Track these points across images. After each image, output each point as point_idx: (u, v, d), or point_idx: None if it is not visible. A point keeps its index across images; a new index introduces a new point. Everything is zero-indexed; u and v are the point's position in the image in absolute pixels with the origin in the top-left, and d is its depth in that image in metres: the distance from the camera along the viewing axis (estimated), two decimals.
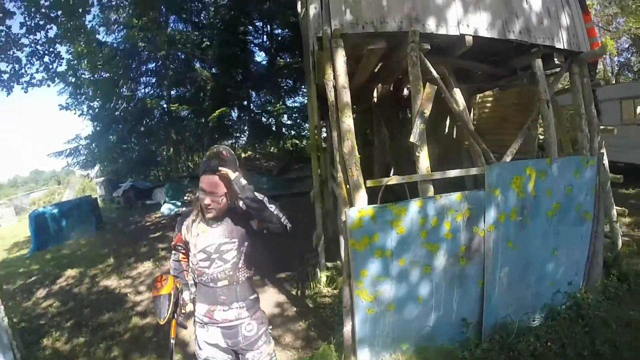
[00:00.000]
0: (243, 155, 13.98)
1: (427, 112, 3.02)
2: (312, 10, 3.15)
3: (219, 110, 12.24)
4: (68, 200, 15.84)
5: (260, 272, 5.01)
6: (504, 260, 2.99)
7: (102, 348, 3.92)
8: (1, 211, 23.91)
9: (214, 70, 13.72)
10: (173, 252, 2.08)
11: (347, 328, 2.84)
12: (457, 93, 3.82)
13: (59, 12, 6.87)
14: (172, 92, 14.54)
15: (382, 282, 2.75)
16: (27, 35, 7.07)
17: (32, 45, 7.25)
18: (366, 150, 6.81)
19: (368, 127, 7.72)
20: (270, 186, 10.66)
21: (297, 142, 16.15)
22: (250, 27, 14.70)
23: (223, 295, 1.84)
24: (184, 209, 11.05)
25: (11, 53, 6.95)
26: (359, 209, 2.70)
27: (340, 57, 2.95)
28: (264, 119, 15.44)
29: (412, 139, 2.97)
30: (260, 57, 18.32)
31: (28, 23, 7.00)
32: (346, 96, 2.92)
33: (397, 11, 3.10)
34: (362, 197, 2.78)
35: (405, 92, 6.65)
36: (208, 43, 13.07)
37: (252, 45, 15.05)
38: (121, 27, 13.42)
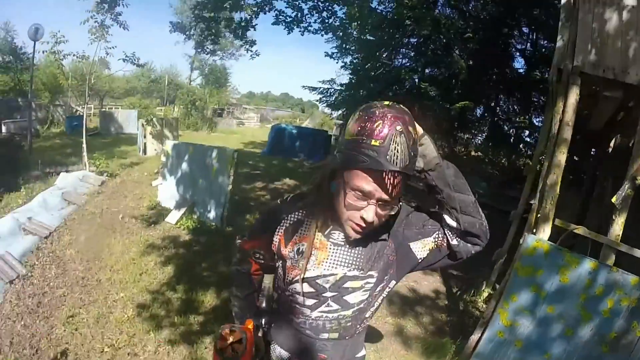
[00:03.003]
0: (472, 153, 14.26)
1: None
2: (560, 41, 3.21)
3: (463, 102, 12.27)
4: (307, 127, 19.92)
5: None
6: None
7: None
8: (250, 114, 32.61)
9: (470, 62, 13.64)
10: (241, 261, 1.31)
11: (474, 336, 2.98)
12: None
13: None
14: (427, 71, 15.04)
15: (523, 316, 2.77)
16: None
17: (314, 0, 8.93)
18: (574, 196, 6.56)
19: (593, 174, 7.05)
20: (486, 194, 10.59)
21: (530, 162, 15.38)
22: (516, 31, 14.04)
23: (324, 353, 1.15)
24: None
25: (297, 2, 8.77)
26: (537, 239, 2.77)
27: (573, 95, 3.03)
28: (505, 127, 14.90)
29: (614, 200, 2.77)
30: (519, 63, 17.21)
31: None
32: (567, 133, 2.98)
33: None
34: (545, 230, 2.93)
35: None
36: (470, 35, 13.06)
37: (513, 49, 14.36)
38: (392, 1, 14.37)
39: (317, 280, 1.09)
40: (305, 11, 8.99)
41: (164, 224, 5.47)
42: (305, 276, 1.09)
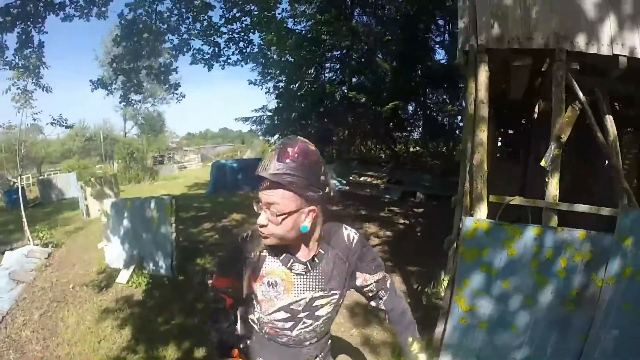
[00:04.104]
0: (411, 149, 14.52)
1: (565, 136, 2.86)
2: (461, 23, 3.22)
3: (393, 103, 12.72)
4: (247, 159, 19.70)
5: (395, 257, 5.58)
6: (615, 322, 2.61)
7: None
8: (191, 156, 31.30)
9: (394, 63, 14.18)
10: (216, 299, 1.35)
11: (439, 329, 2.95)
12: (609, 121, 3.40)
13: (253, 6, 8.36)
14: (354, 80, 15.49)
15: (480, 297, 2.75)
16: (225, 25, 8.78)
17: (230, 33, 8.95)
18: (514, 168, 6.63)
19: (527, 143, 7.36)
20: (431, 185, 10.80)
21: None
22: (432, 25, 14.84)
23: (308, 355, 1.33)
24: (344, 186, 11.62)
25: (212, 39, 8.71)
26: (476, 220, 2.73)
27: (483, 72, 2.98)
28: (439, 118, 15.53)
29: (543, 163, 2.86)
30: (440, 55, 18.13)
31: (226, 15, 8.73)
32: (483, 111, 2.95)
33: (544, 27, 2.96)
34: (482, 209, 2.85)
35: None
36: (390, 37, 13.60)
37: (432, 42, 15.18)
38: (307, 19, 14.75)
39: (291, 307, 1.22)
40: (222, 45, 9.07)
41: (115, 286, 5.29)
42: (279, 306, 1.22)
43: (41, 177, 19.34)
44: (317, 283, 1.22)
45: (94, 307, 4.74)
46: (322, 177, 1.09)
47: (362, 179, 11.54)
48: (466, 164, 4.84)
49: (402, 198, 10.19)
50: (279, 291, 1.20)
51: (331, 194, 1.15)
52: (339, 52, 15.37)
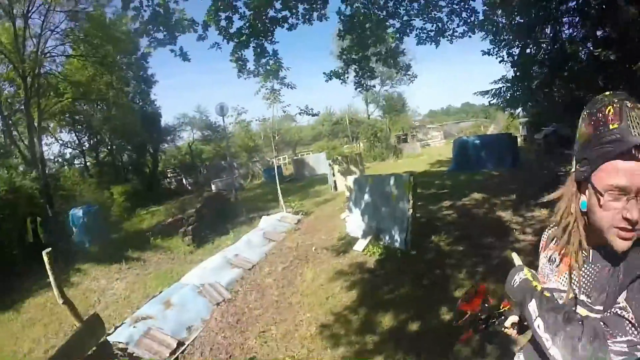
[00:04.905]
0: None
1: None
2: None
3: None
4: (490, 134, 19.41)
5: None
6: None
7: (470, 263, 4.60)
8: (433, 133, 33.54)
9: None
10: None
11: None
12: None
13: None
14: (598, 33, 13.06)
15: None
16: None
17: (450, 5, 8.73)
18: None
19: None
20: None
21: None
22: None
23: None
24: None
25: (433, 15, 8.61)
26: None
27: None
28: None
29: None
30: None
31: None
32: None
33: None
34: None
35: None
36: None
37: None
38: None
39: (553, 293, 1.04)
40: (445, 19, 8.75)
41: (352, 252, 5.82)
42: (545, 286, 1.06)
43: (295, 158, 23.56)
44: (587, 283, 0.95)
45: (330, 268, 5.36)
46: None
47: None
48: None
49: None
50: (552, 270, 1.08)
51: None
52: (574, 2, 12.34)
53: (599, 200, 0.83)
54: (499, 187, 8.51)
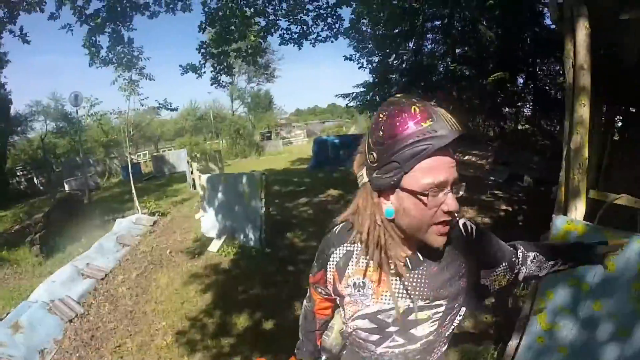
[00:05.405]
0: (519, 127, 13.43)
1: None
2: None
3: (496, 75, 11.54)
4: (349, 134, 20.42)
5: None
6: None
7: None
8: (297, 132, 33.78)
9: (499, 30, 12.88)
10: (308, 297, 1.27)
11: (512, 343, 2.61)
12: None
13: None
14: (457, 51, 14.61)
15: (564, 316, 2.30)
16: (311, 2, 8.72)
17: (316, 10, 8.88)
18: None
19: None
20: (538, 168, 9.78)
21: None
22: None
23: None
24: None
25: (299, 17, 8.74)
26: (569, 220, 2.24)
27: (581, 30, 2.32)
28: (551, 91, 13.59)
29: None
30: (549, 20, 15.83)
31: None
32: (584, 79, 2.30)
33: None
34: (579, 207, 2.30)
35: None
36: (492, 2, 12.33)
37: (539, 5, 13.36)
38: None
39: (377, 316, 0.98)
40: (310, 22, 8.94)
41: (206, 254, 5.81)
42: (363, 312, 0.99)
43: (155, 154, 21.90)
44: (418, 288, 0.94)
45: (185, 271, 5.33)
46: None
47: (466, 157, 10.64)
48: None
49: (508, 181, 9.28)
50: (366, 295, 0.97)
51: None
52: (439, 22, 14.07)
53: (420, 200, 0.81)
54: (355, 184, 9.44)
